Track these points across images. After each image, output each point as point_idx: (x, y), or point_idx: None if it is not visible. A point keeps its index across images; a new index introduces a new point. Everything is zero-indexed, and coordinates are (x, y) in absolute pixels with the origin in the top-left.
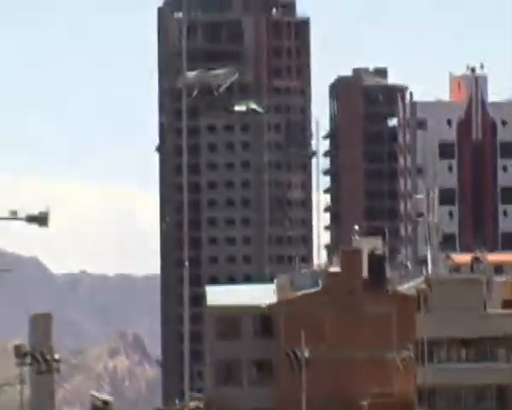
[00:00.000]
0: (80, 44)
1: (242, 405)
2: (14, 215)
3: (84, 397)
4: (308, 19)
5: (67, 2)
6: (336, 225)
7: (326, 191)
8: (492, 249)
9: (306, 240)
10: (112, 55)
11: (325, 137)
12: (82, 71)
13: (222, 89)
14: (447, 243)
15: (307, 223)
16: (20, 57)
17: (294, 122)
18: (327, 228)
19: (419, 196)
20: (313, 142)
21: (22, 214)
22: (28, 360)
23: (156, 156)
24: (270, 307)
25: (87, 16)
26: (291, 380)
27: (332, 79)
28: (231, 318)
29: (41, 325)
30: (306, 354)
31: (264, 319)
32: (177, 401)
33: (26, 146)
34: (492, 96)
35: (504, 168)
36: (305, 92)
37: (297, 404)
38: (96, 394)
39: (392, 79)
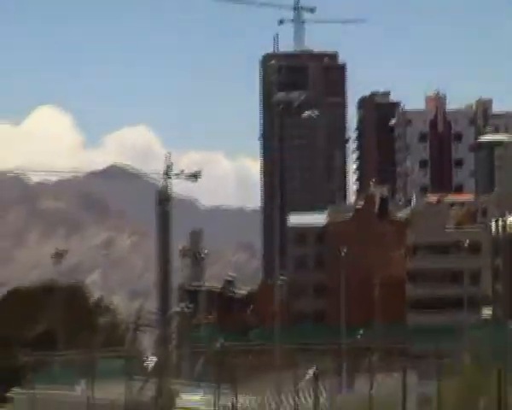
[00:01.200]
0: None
1: (308, 282)
2: (181, 172)
3: (221, 277)
4: (345, 64)
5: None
6: (361, 180)
7: (355, 160)
8: (448, 193)
9: (345, 188)
10: (234, 87)
11: (355, 130)
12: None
13: (297, 103)
14: (423, 190)
15: (345, 178)
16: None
17: (339, 121)
18: (356, 180)
19: (407, 164)
20: (348, 132)
21: (188, 173)
22: (188, 255)
23: (258, 142)
24: (324, 225)
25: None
26: (336, 267)
27: (360, 97)
28: (304, 229)
29: (196, 235)
30: (344, 251)
31: (321, 232)
32: (269, 280)
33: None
34: (449, 106)
35: (455, 148)
36: (344, 105)
37: (339, 281)
38: (228, 274)
39: (393, 97)
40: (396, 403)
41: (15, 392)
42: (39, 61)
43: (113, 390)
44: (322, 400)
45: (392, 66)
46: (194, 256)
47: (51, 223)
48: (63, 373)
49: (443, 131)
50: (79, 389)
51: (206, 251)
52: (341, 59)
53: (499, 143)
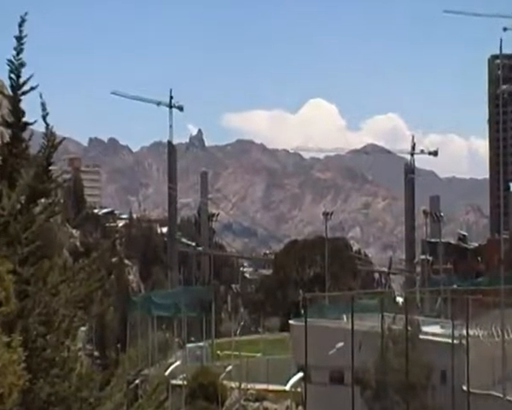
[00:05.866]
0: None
1: None
2: (421, 151)
3: (455, 233)
4: None
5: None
6: None
7: None
8: None
9: None
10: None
11: None
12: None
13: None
14: None
15: None
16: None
17: None
18: None
19: None
20: None
21: (428, 151)
22: (428, 215)
23: (487, 124)
24: None
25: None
26: None
27: None
28: None
29: (434, 200)
30: None
31: None
32: (495, 235)
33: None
34: None
35: None
36: None
37: None
38: (459, 231)
39: None
40: None
41: (293, 321)
42: (310, 58)
43: (369, 323)
44: None
45: None
46: (433, 217)
47: (320, 189)
48: (330, 308)
49: None
50: (343, 321)
51: (441, 213)
52: None
53: None
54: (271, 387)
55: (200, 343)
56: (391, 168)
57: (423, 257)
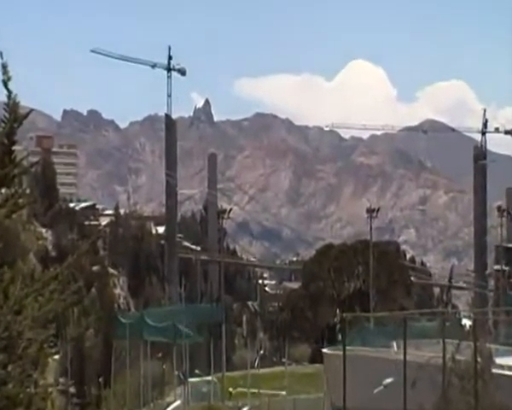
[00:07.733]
0: None
1: None
2: (496, 130)
3: None
4: None
5: None
6: None
7: None
8: None
9: None
10: None
11: None
12: None
13: None
14: None
15: None
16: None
17: None
18: None
19: None
20: None
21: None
22: (505, 213)
23: None
24: None
25: None
26: None
27: None
28: None
29: None
30: None
31: None
32: None
33: None
34: None
35: None
36: None
37: None
38: None
39: None
40: None
41: (328, 350)
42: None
43: (427, 352)
44: None
45: None
46: (510, 215)
47: (364, 179)
48: (376, 333)
49: None
50: (393, 350)
51: None
52: None
53: None
54: None
55: (207, 377)
56: (456, 152)
57: (497, 267)
